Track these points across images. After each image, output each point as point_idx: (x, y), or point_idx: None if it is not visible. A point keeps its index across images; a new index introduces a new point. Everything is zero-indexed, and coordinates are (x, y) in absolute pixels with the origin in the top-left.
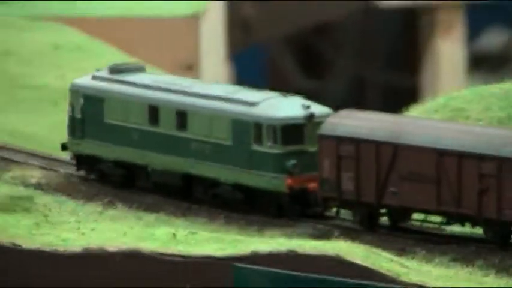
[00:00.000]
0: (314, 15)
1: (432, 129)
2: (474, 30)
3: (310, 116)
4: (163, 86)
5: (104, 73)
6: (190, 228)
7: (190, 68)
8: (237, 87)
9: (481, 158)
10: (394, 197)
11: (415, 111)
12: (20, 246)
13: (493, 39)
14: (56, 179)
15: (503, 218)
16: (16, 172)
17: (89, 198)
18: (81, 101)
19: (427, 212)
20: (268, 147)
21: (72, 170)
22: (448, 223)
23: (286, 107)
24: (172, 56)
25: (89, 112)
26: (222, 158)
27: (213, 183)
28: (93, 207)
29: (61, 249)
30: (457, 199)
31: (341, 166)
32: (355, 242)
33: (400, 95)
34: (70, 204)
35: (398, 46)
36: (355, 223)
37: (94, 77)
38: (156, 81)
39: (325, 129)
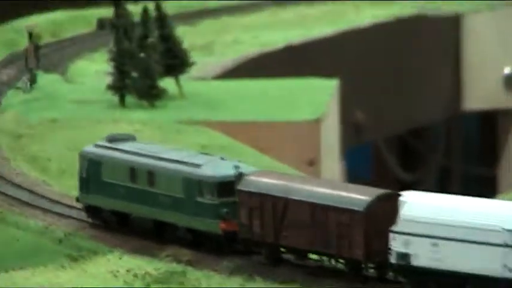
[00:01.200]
0: (412, 120)
1: (311, 186)
2: None
3: (240, 175)
4: (140, 152)
5: (103, 142)
6: None
7: (312, 164)
8: (192, 152)
9: (339, 210)
10: (286, 239)
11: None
12: None
13: None
14: (204, 257)
15: (354, 257)
16: (169, 251)
17: (232, 273)
18: (86, 164)
19: (307, 251)
20: (207, 199)
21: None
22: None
23: (222, 168)
24: (298, 154)
25: (91, 172)
26: (178, 208)
27: (174, 227)
28: (236, 281)
29: None
30: (324, 241)
31: (252, 214)
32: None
33: (480, 184)
34: (216, 278)
35: (479, 143)
36: (264, 259)
37: (96, 145)
38: (136, 148)
39: (242, 185)
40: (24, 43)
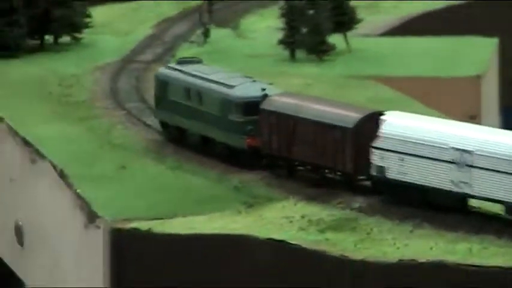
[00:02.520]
0: None
1: (317, 105)
2: None
3: (264, 96)
4: (195, 73)
5: (174, 65)
6: (483, 244)
7: (474, 118)
8: (235, 74)
9: (333, 127)
10: (296, 153)
11: None
12: (347, 257)
13: None
14: (374, 205)
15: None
16: (342, 198)
17: (401, 220)
18: (158, 83)
19: (313, 165)
20: (235, 117)
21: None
22: None
23: (251, 89)
24: (460, 108)
25: (161, 91)
26: (217, 125)
27: (215, 142)
28: (405, 227)
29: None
30: (323, 156)
31: (271, 131)
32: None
33: None
34: (387, 224)
35: None
36: (285, 172)
37: (167, 67)
38: (194, 70)
39: (264, 104)
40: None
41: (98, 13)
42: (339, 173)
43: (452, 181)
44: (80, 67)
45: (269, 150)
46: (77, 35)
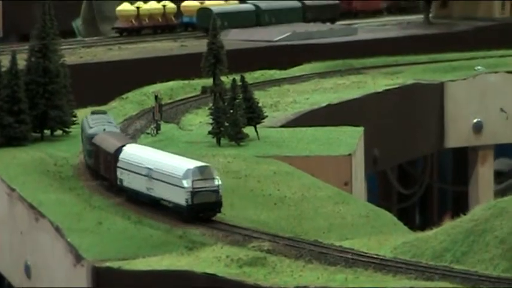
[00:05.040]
0: (410, 154)
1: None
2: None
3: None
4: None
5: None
6: (356, 274)
7: (347, 184)
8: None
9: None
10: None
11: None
12: (259, 285)
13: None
14: (280, 247)
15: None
16: (254, 243)
17: (296, 258)
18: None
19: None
20: (87, 147)
21: None
22: None
23: (100, 127)
24: (337, 177)
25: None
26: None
27: None
28: (300, 263)
29: None
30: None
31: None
32: None
33: (456, 199)
34: (287, 261)
35: (454, 170)
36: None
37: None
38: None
39: (95, 138)
40: (151, 103)
41: (82, 113)
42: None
43: (147, 187)
44: (69, 152)
45: (98, 169)
46: (67, 129)
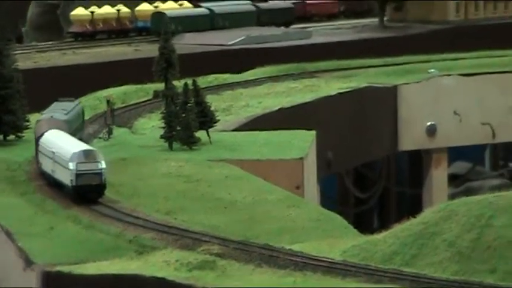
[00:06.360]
0: (365, 157)
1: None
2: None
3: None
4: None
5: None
6: (305, 277)
7: (298, 188)
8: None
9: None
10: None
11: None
12: None
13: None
14: (229, 251)
15: None
16: (204, 247)
17: (246, 262)
18: None
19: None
20: None
21: None
22: None
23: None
24: (289, 181)
25: None
26: None
27: None
28: (249, 267)
29: None
30: None
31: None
32: None
33: (413, 202)
34: (236, 265)
35: (410, 172)
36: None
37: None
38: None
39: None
40: (103, 107)
41: (36, 118)
42: None
43: (51, 170)
44: (21, 157)
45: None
46: (20, 134)
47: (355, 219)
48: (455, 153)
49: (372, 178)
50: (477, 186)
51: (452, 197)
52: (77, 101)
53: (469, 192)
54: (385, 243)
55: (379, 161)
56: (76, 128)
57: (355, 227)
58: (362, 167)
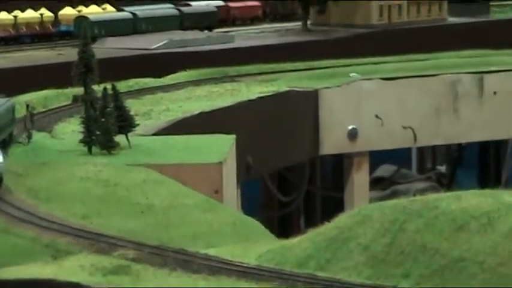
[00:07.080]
0: (286, 161)
1: None
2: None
3: None
4: None
5: None
6: (220, 283)
7: (217, 192)
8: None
9: None
10: None
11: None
12: None
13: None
14: (145, 256)
15: None
16: (119, 251)
17: (160, 266)
18: None
19: None
20: None
21: None
22: None
23: None
24: (209, 185)
25: None
26: None
27: None
28: (164, 271)
29: None
30: None
31: None
32: None
33: (337, 206)
34: (151, 269)
35: (332, 175)
36: None
37: None
38: None
39: None
40: (23, 112)
41: None
42: None
43: None
44: None
45: None
46: None
47: (280, 222)
48: (383, 156)
49: (294, 182)
50: (404, 189)
51: (377, 200)
52: (7, 98)
53: (395, 195)
54: (300, 248)
55: (303, 165)
56: (5, 123)
57: (281, 231)
58: (285, 170)
